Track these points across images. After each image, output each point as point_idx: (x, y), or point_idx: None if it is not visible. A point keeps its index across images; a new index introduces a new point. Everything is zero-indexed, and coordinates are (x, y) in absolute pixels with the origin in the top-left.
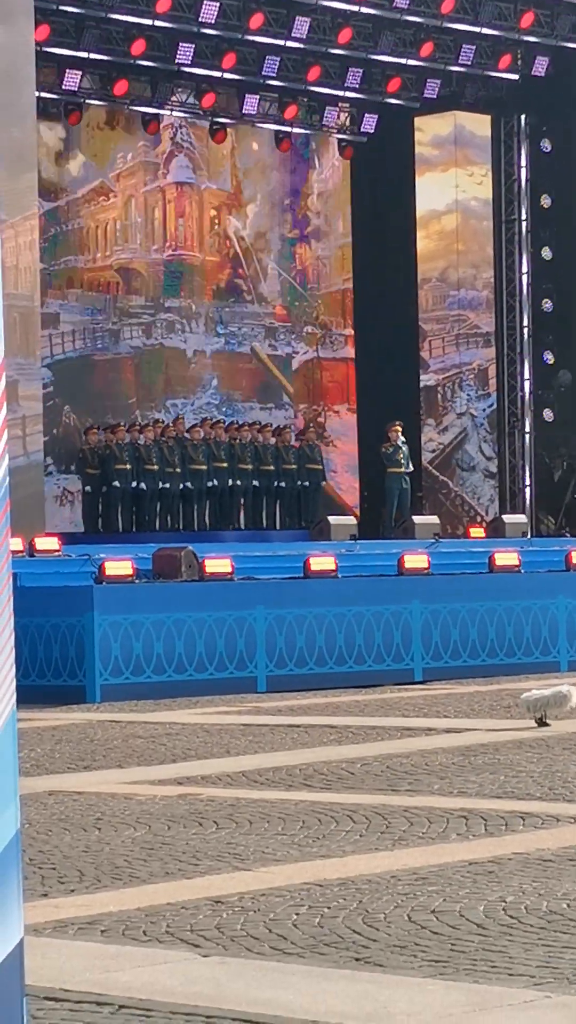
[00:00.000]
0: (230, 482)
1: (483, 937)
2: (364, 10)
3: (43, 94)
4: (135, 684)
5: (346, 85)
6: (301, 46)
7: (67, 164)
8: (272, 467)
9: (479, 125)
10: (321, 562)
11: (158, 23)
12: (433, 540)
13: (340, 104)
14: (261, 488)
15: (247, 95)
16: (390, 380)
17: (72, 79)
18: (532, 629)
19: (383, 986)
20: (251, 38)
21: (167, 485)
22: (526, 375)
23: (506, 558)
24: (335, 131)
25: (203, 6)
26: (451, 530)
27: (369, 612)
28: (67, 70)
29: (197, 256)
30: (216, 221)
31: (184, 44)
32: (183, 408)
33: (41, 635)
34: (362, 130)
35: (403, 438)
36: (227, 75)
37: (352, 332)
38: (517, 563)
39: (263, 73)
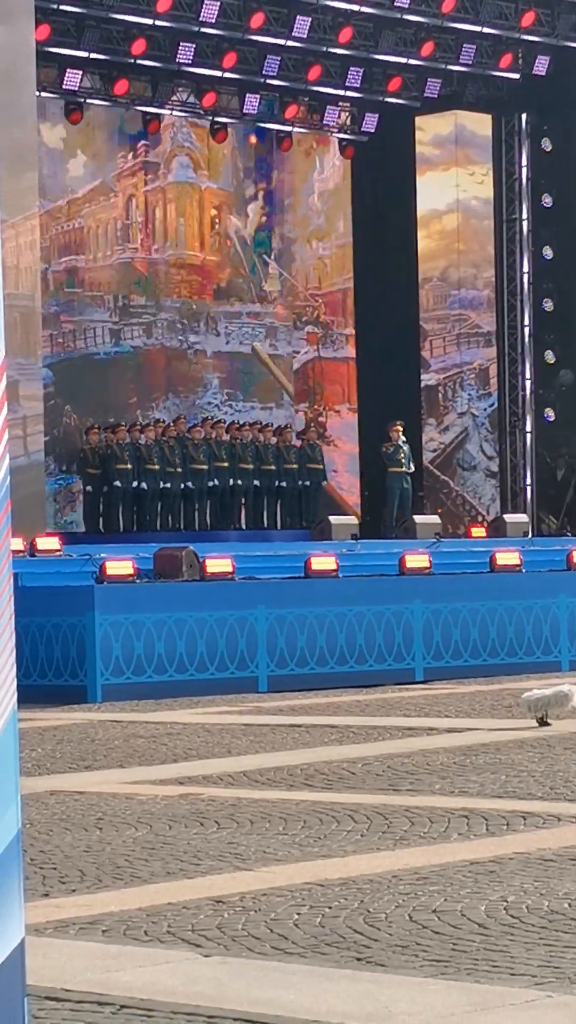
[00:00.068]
0: (231, 482)
1: (485, 937)
2: (365, 9)
3: (44, 94)
4: (136, 684)
5: (347, 84)
6: (302, 45)
7: (68, 164)
8: (273, 467)
9: (480, 124)
10: (322, 562)
11: (159, 22)
12: (434, 540)
13: (341, 103)
14: (262, 488)
15: (248, 94)
16: (391, 380)
17: (73, 79)
18: (533, 629)
19: (384, 986)
20: (252, 37)
21: (168, 485)
22: (527, 374)
23: (507, 558)
24: (336, 130)
25: (204, 5)
26: (452, 530)
27: (370, 612)
28: (68, 70)
29: (198, 256)
30: (217, 221)
31: (185, 43)
32: (184, 408)
33: (42, 635)
34: (363, 129)
35: (404, 438)
36: (228, 74)
37: (353, 332)
38: (518, 563)
39: (264, 72)
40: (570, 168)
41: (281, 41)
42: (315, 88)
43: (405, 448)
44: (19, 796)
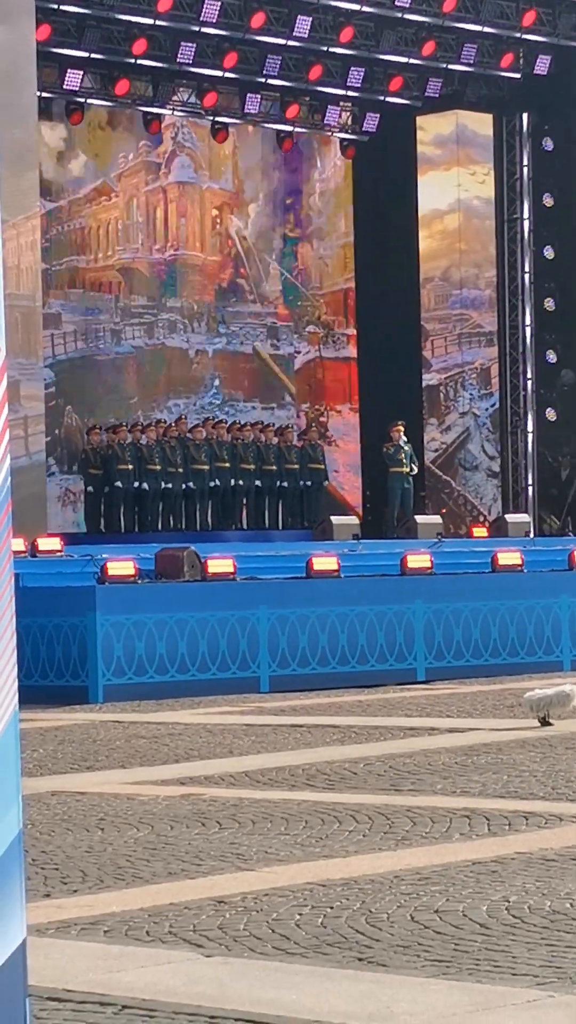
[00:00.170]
0: (232, 482)
1: (486, 937)
2: (366, 9)
3: (44, 94)
4: (138, 684)
5: (348, 84)
6: (303, 45)
7: (69, 164)
8: (274, 467)
9: (481, 124)
10: (324, 562)
11: (159, 22)
12: (436, 540)
13: (342, 103)
14: (263, 488)
15: (249, 94)
16: (392, 379)
17: (73, 79)
18: (535, 628)
19: (386, 986)
20: (252, 37)
21: (169, 485)
22: (528, 374)
23: (509, 557)
24: (337, 130)
25: (204, 5)
26: (454, 530)
27: (372, 612)
28: (68, 70)
29: (199, 256)
30: (218, 221)
31: (185, 43)
32: (185, 408)
33: (43, 635)
34: (364, 129)
35: (405, 438)
36: (228, 74)
37: (354, 331)
38: (520, 562)
39: (265, 72)
40: (571, 167)
41: (282, 41)
42: (316, 88)
43: (406, 448)
44: (20, 796)
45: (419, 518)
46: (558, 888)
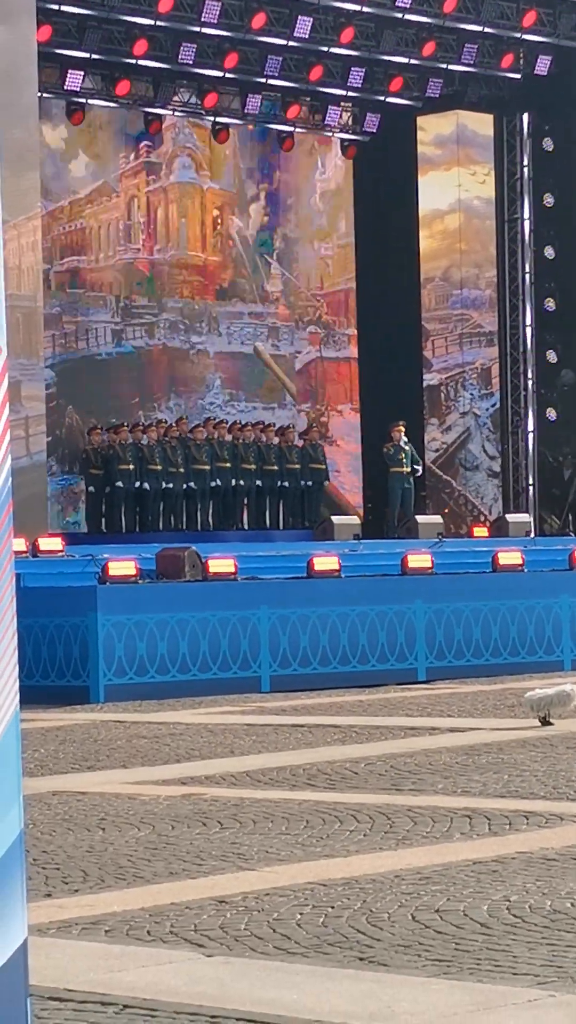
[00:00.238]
0: (233, 482)
1: (487, 936)
2: (366, 9)
3: (45, 94)
4: (139, 684)
5: (348, 84)
6: (303, 45)
7: (69, 164)
8: (275, 467)
9: (481, 124)
10: (325, 562)
11: (160, 23)
12: (436, 540)
13: (342, 103)
14: (264, 488)
15: (249, 95)
16: (393, 379)
17: (74, 79)
18: (536, 628)
19: (387, 985)
20: (253, 38)
21: (170, 485)
22: (529, 374)
23: (509, 557)
24: (337, 130)
25: (205, 6)
26: (454, 529)
27: (373, 612)
28: (69, 70)
29: (200, 256)
30: (219, 221)
31: (186, 44)
32: (186, 408)
33: (45, 635)
34: (364, 129)
35: (406, 439)
36: (229, 75)
37: (355, 332)
38: (520, 562)
39: (265, 73)
40: (571, 168)
41: (283, 41)
42: (317, 88)
43: (407, 448)
44: (22, 796)
45: (420, 518)
46: (559, 887)
